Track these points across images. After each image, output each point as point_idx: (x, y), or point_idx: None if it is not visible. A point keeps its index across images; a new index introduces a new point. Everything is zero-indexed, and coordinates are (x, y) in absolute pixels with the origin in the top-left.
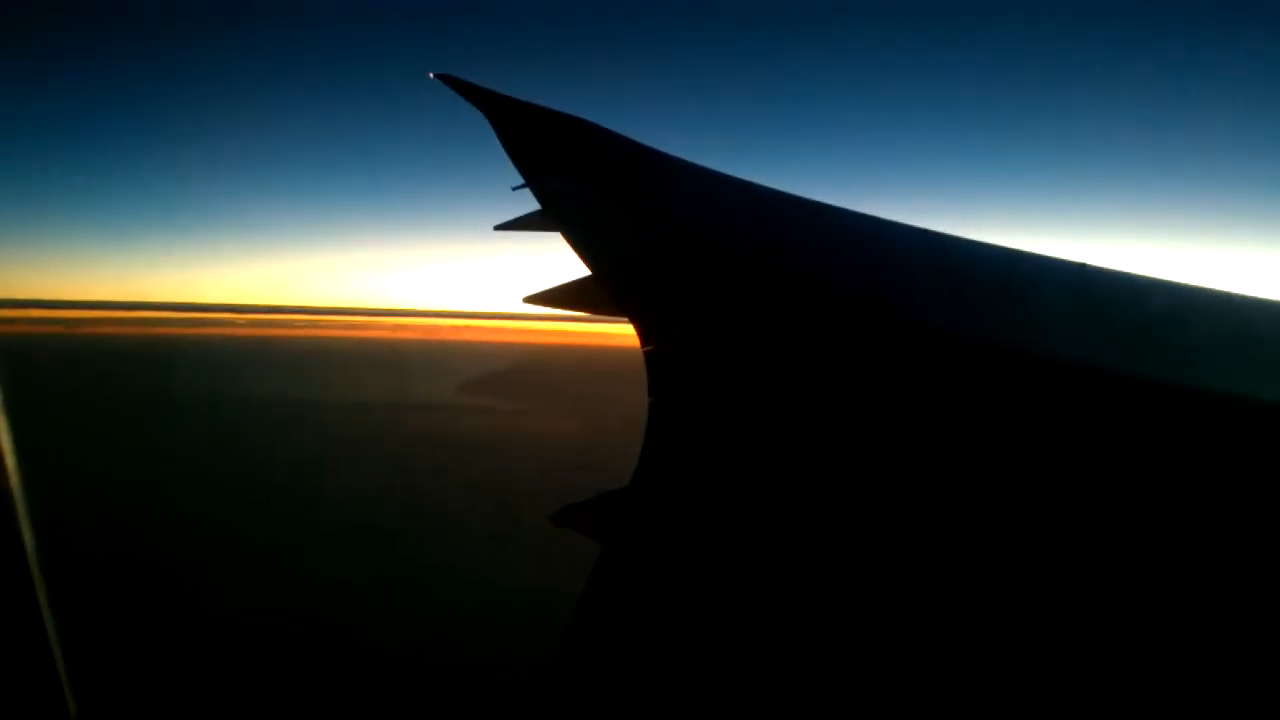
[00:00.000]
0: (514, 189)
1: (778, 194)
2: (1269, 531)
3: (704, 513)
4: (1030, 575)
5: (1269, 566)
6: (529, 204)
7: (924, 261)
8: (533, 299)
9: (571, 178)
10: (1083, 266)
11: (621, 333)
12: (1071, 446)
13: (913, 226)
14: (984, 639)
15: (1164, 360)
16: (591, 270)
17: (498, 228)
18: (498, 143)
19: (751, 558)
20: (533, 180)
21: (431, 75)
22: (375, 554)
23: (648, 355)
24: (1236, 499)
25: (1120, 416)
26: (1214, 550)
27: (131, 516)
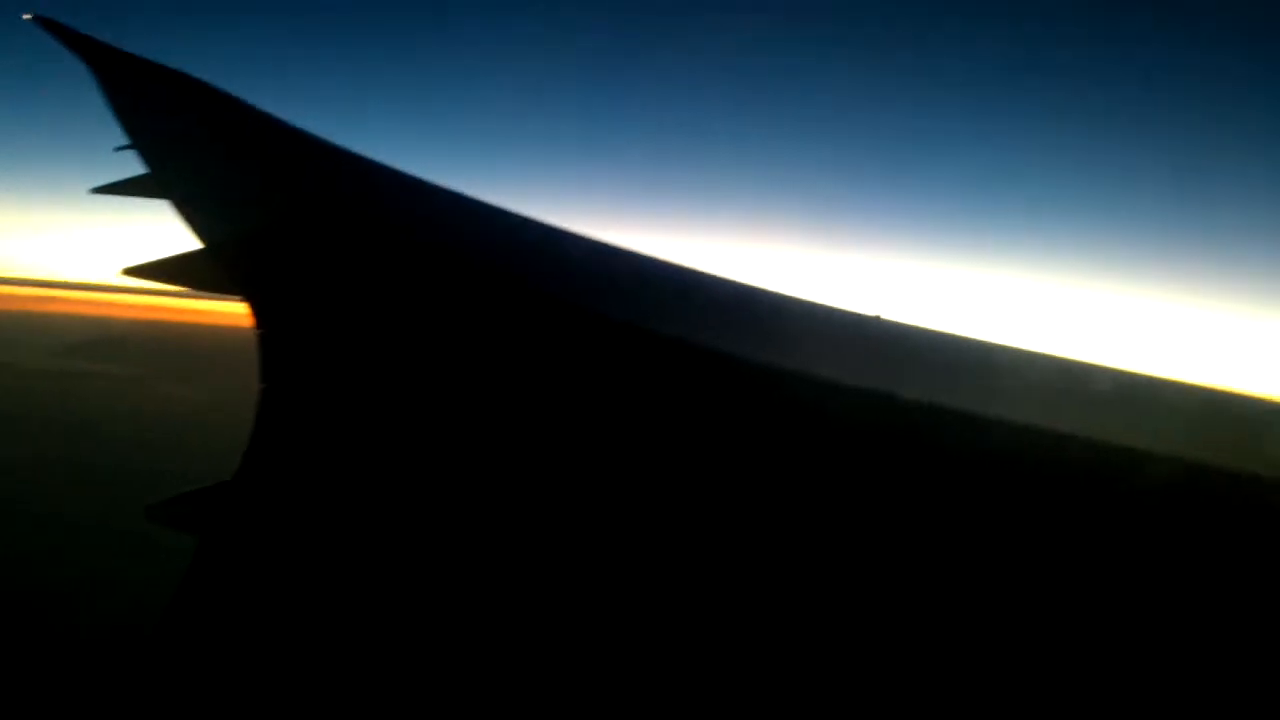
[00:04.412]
0: (117, 149)
1: (419, 181)
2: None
3: (314, 512)
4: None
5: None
6: (135, 167)
7: (546, 250)
8: (133, 271)
9: (185, 143)
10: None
11: (233, 311)
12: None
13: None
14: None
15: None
16: (203, 244)
17: (96, 190)
18: (101, 97)
19: (363, 558)
20: (140, 142)
21: (26, 17)
22: None
23: (262, 338)
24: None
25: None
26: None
27: None
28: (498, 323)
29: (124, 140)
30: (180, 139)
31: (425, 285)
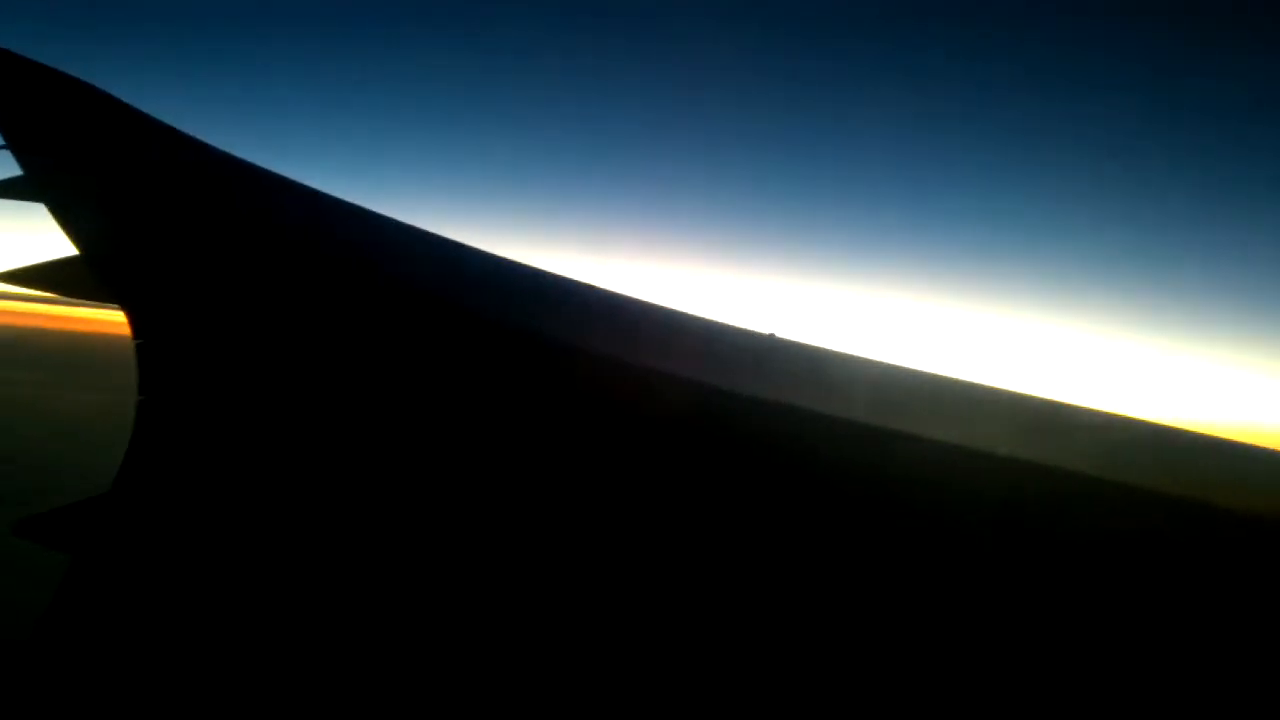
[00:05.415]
0: None
1: (304, 189)
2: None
3: (193, 528)
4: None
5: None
6: (10, 168)
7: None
8: (3, 276)
9: (66, 146)
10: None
11: (110, 319)
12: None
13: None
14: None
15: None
16: (80, 250)
17: None
18: None
19: (244, 576)
20: (16, 142)
21: None
22: None
23: (140, 348)
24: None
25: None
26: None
27: None
28: (384, 330)
29: None
30: (56, 140)
31: (308, 294)
